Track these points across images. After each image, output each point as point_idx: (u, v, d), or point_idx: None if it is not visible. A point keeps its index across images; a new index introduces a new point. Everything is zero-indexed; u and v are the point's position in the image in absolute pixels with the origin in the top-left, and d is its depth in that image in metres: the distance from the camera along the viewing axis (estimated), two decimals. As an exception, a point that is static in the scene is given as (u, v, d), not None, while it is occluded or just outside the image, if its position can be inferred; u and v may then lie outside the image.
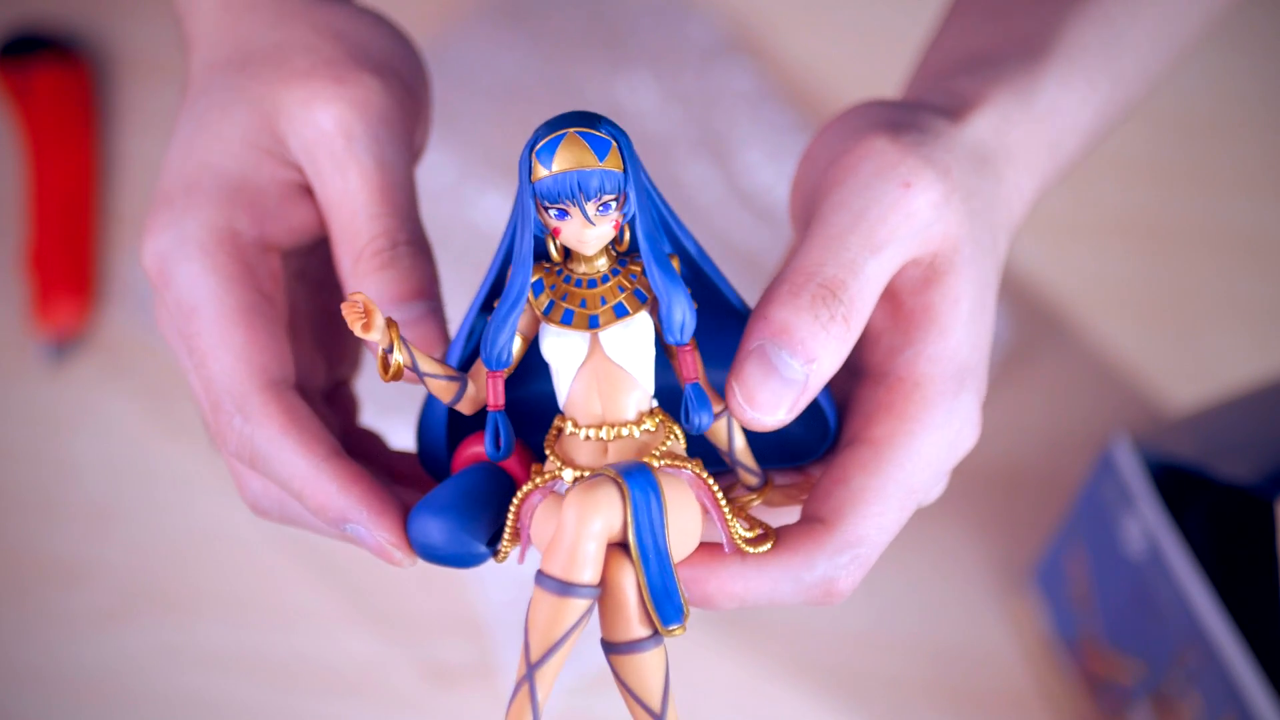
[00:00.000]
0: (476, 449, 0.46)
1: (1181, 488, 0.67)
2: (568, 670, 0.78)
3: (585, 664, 0.78)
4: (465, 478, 0.45)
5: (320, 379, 0.51)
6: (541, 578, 0.40)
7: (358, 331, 0.41)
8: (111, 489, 0.83)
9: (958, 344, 0.46)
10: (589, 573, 0.40)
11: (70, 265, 0.87)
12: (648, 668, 0.41)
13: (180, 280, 0.46)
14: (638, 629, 0.41)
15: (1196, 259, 0.89)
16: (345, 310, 0.41)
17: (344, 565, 0.81)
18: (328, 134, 0.47)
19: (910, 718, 0.79)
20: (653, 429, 0.43)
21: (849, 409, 0.47)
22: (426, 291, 0.48)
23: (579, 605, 0.40)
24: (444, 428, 0.47)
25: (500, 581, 0.79)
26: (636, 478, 0.41)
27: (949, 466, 0.46)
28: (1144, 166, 0.92)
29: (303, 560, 0.81)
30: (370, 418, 0.54)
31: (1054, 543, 0.76)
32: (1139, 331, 0.87)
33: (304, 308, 0.51)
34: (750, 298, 0.46)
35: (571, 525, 0.40)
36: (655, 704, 0.41)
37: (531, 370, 0.46)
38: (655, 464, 0.42)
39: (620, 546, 0.41)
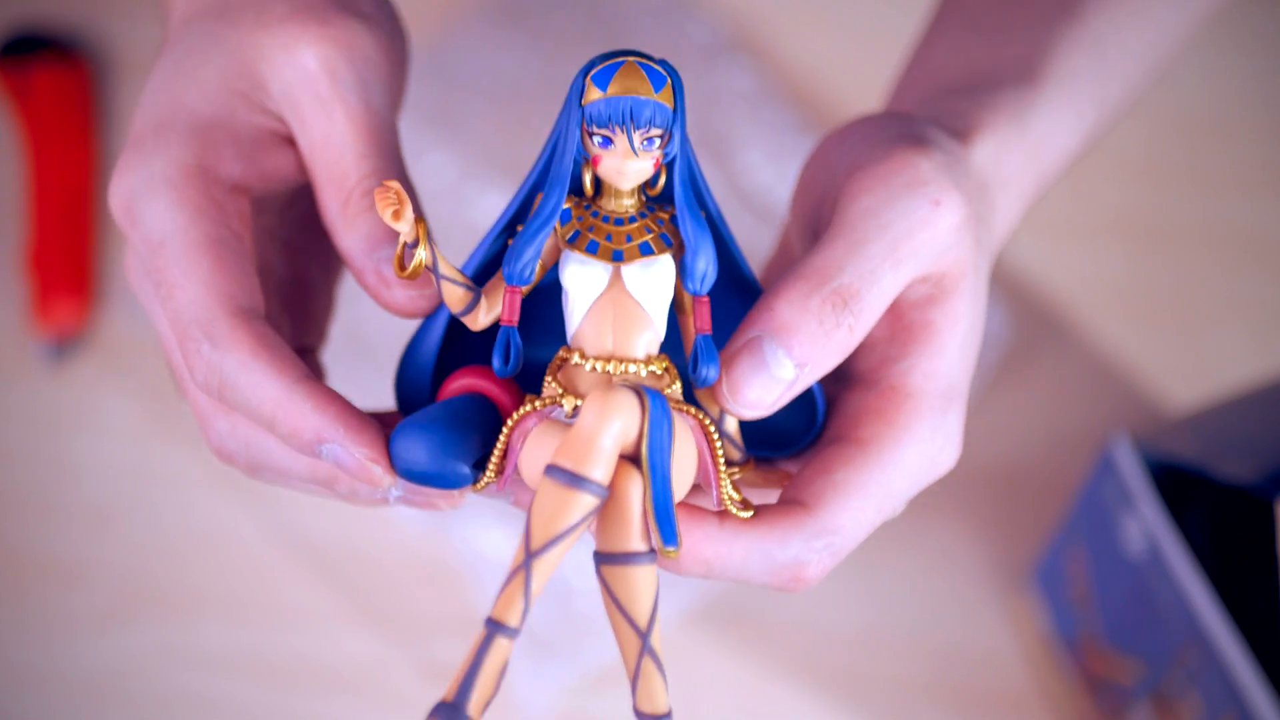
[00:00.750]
0: (463, 381, 0.45)
1: (1181, 488, 0.67)
2: (568, 670, 0.78)
3: (585, 664, 0.78)
4: (453, 403, 0.44)
5: (285, 338, 0.50)
6: (553, 469, 0.40)
7: (387, 219, 0.40)
8: (111, 489, 0.83)
9: (951, 363, 0.46)
10: (601, 470, 0.40)
11: (70, 265, 0.87)
12: (640, 582, 0.41)
13: (147, 217, 0.45)
14: (636, 542, 0.41)
15: (1196, 259, 0.89)
16: (378, 195, 0.41)
17: (344, 565, 0.81)
18: (312, 74, 0.46)
19: (910, 718, 0.79)
20: (658, 373, 0.43)
21: (836, 409, 0.47)
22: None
23: (586, 501, 0.40)
24: (431, 367, 0.46)
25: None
26: (656, 396, 0.41)
27: (926, 482, 0.46)
28: (1144, 166, 0.92)
29: (303, 560, 0.81)
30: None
31: (1054, 543, 0.76)
32: (1139, 331, 0.87)
33: (274, 270, 0.50)
34: None
35: (592, 420, 0.39)
36: (643, 620, 0.41)
37: (532, 313, 0.45)
38: (665, 395, 0.42)
39: (628, 459, 0.41)
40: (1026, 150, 0.50)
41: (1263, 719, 0.62)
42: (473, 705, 0.40)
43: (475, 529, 0.80)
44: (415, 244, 0.42)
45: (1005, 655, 0.80)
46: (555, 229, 0.43)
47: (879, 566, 0.82)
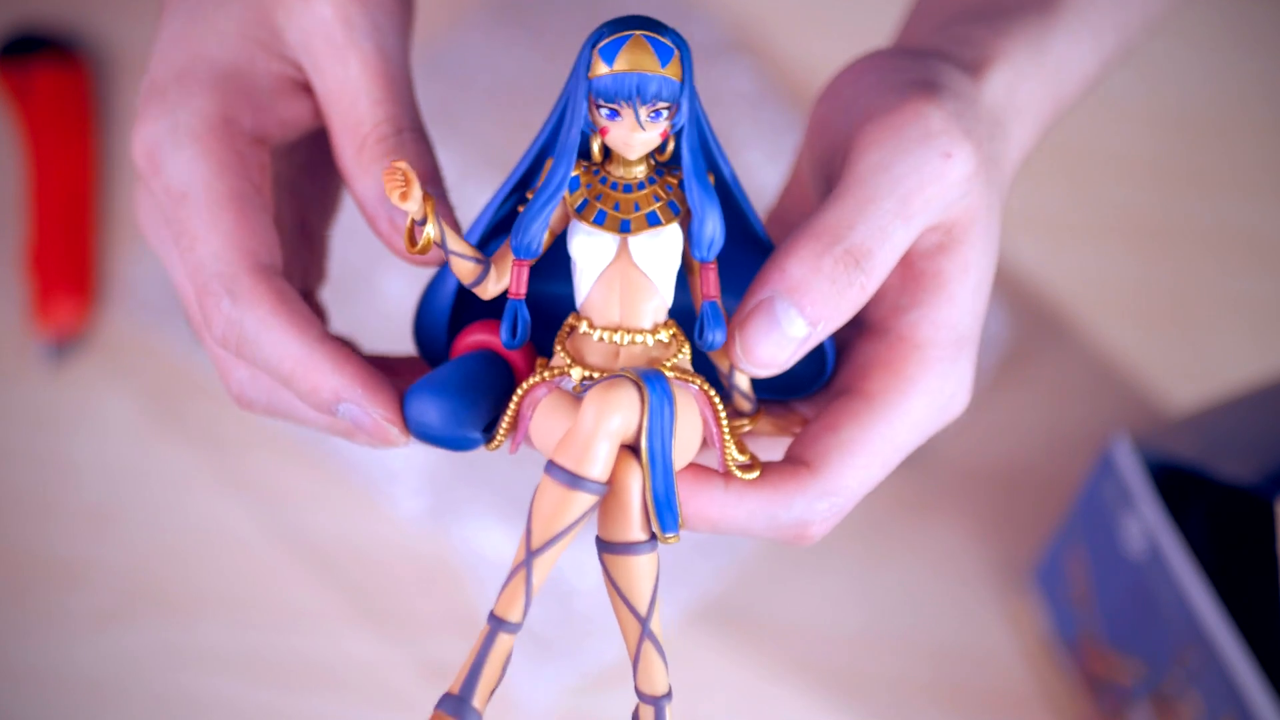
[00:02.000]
0: (477, 337, 0.46)
1: (1181, 488, 0.67)
2: (568, 670, 0.78)
3: (585, 664, 0.78)
4: (466, 363, 0.45)
5: (295, 286, 0.50)
6: (552, 468, 0.41)
7: (395, 199, 0.41)
8: (111, 489, 0.83)
9: (962, 312, 0.46)
10: (599, 469, 0.40)
11: (70, 265, 0.87)
12: (640, 570, 0.42)
13: (171, 167, 0.45)
14: (636, 532, 0.42)
15: (1196, 259, 0.89)
16: (386, 177, 0.41)
17: (344, 565, 0.81)
18: (326, 21, 0.46)
19: (910, 718, 0.79)
20: (665, 340, 0.44)
21: (845, 357, 0.47)
22: (432, 177, 0.47)
23: (585, 499, 0.40)
24: (447, 313, 0.47)
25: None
26: (655, 384, 0.41)
27: (935, 430, 0.47)
28: (1144, 166, 0.92)
29: (303, 560, 0.81)
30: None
31: (1054, 543, 0.76)
32: (1139, 331, 0.87)
33: (282, 216, 0.51)
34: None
35: (590, 420, 0.40)
36: (643, 606, 0.42)
37: (543, 272, 0.46)
38: (667, 375, 0.42)
39: (629, 449, 0.41)
40: (1043, 77, 0.50)
41: (1263, 719, 0.62)
42: (477, 697, 0.41)
43: (475, 529, 0.80)
44: (424, 221, 0.42)
45: (1005, 655, 0.80)
46: (564, 197, 0.43)
47: (879, 566, 0.82)
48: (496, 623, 0.41)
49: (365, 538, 0.82)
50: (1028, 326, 0.87)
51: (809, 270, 0.43)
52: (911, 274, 0.46)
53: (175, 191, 0.46)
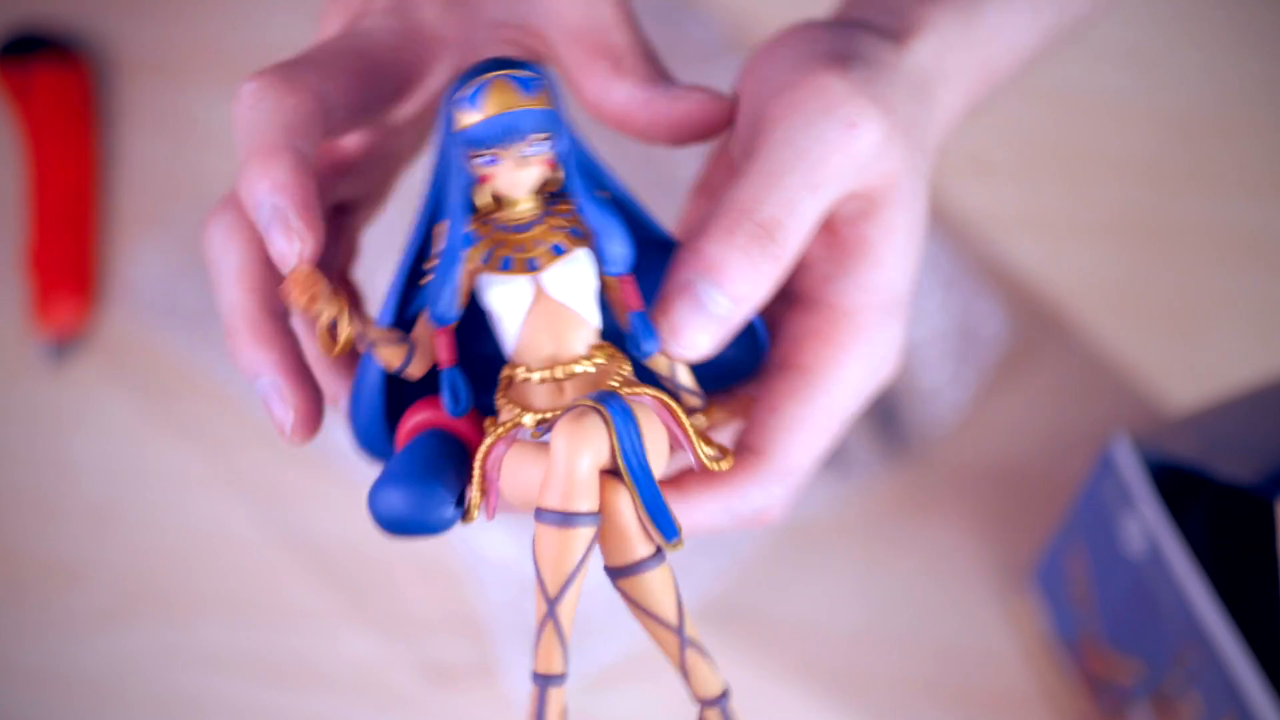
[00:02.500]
0: (419, 418, 0.45)
1: (1181, 488, 0.67)
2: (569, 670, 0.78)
3: (585, 664, 0.78)
4: (416, 446, 0.44)
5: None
6: (542, 514, 0.40)
7: (301, 306, 0.40)
8: (111, 489, 0.83)
9: (891, 275, 0.47)
10: (587, 501, 0.40)
11: (70, 265, 0.87)
12: (658, 584, 0.41)
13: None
14: (640, 549, 0.41)
15: (1196, 259, 0.89)
16: (288, 286, 0.40)
17: (344, 565, 0.81)
18: None
19: (910, 717, 0.79)
20: (604, 362, 0.43)
21: (779, 332, 0.48)
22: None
23: (584, 535, 0.40)
24: (380, 407, 0.46)
25: (500, 581, 0.79)
26: (613, 404, 0.41)
27: (871, 392, 0.47)
28: (1143, 166, 0.92)
29: (302, 560, 0.81)
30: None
31: (1054, 543, 0.76)
32: (1139, 331, 0.87)
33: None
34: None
35: (563, 456, 0.40)
36: (672, 618, 0.42)
37: (462, 336, 0.45)
38: (620, 392, 0.42)
39: (608, 473, 0.41)
40: (974, 47, 0.50)
41: (1263, 719, 0.62)
42: None
43: (475, 529, 0.80)
44: (340, 319, 0.41)
45: (1005, 655, 0.80)
46: (466, 254, 0.43)
47: (879, 566, 0.82)
48: (543, 681, 0.41)
49: (365, 538, 0.82)
50: (1028, 326, 0.87)
51: (723, 248, 0.43)
52: (837, 242, 0.46)
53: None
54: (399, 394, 0.46)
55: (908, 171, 0.46)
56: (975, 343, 0.85)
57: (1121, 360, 0.87)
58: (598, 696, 0.78)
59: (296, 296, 0.40)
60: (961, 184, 0.90)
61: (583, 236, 0.43)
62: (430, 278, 0.43)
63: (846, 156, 0.44)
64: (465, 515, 0.43)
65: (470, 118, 0.41)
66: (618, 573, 0.42)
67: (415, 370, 0.44)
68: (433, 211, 0.44)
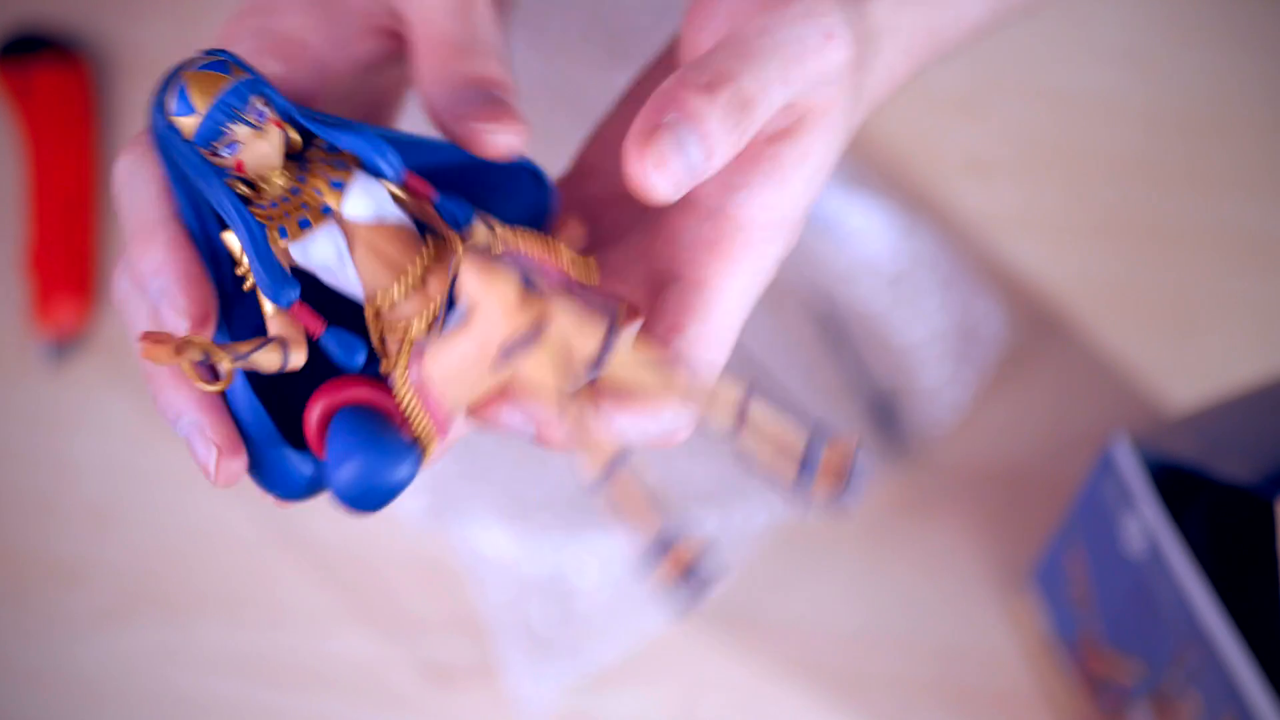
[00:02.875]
0: (318, 409, 0.44)
1: (1181, 488, 0.67)
2: (568, 670, 0.78)
3: (585, 664, 0.78)
4: (338, 426, 0.43)
5: None
6: (511, 349, 0.40)
7: (166, 360, 0.40)
8: (111, 489, 0.83)
9: (792, 199, 0.46)
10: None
11: (70, 265, 0.87)
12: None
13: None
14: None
15: (1196, 259, 0.89)
16: (148, 350, 0.40)
17: (343, 565, 0.81)
18: None
19: (910, 717, 0.79)
20: (442, 248, 0.44)
21: (671, 236, 0.47)
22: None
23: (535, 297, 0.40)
24: (268, 419, 0.45)
25: (500, 581, 0.79)
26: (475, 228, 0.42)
27: (754, 300, 0.48)
28: (1143, 166, 0.92)
29: (302, 560, 0.81)
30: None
31: (1054, 543, 0.76)
32: (1139, 331, 0.87)
33: None
34: None
35: (492, 289, 0.40)
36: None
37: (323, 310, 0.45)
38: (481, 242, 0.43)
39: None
40: (924, 7, 0.50)
41: (1263, 719, 0.62)
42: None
43: (475, 529, 0.80)
44: (205, 359, 0.41)
45: (1005, 655, 0.80)
46: (269, 239, 0.43)
47: (879, 566, 0.82)
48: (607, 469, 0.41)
49: (365, 537, 0.82)
50: (1028, 326, 0.87)
51: (705, 103, 0.43)
52: (748, 154, 0.46)
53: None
54: (284, 408, 0.45)
55: (843, 108, 0.46)
56: (975, 343, 0.85)
57: (1121, 360, 0.87)
58: (598, 696, 0.78)
59: (161, 357, 0.40)
60: (961, 184, 0.90)
61: (348, 164, 0.44)
62: (251, 278, 0.43)
63: (818, 64, 0.44)
64: (424, 452, 0.43)
65: (192, 119, 0.42)
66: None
67: (296, 360, 0.43)
68: (205, 231, 0.44)
